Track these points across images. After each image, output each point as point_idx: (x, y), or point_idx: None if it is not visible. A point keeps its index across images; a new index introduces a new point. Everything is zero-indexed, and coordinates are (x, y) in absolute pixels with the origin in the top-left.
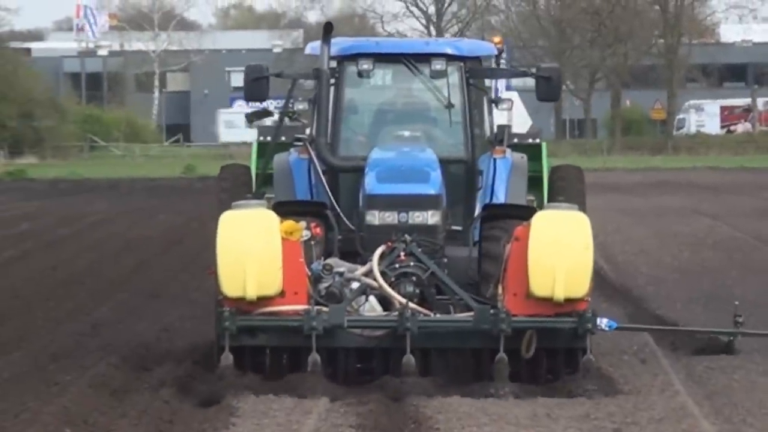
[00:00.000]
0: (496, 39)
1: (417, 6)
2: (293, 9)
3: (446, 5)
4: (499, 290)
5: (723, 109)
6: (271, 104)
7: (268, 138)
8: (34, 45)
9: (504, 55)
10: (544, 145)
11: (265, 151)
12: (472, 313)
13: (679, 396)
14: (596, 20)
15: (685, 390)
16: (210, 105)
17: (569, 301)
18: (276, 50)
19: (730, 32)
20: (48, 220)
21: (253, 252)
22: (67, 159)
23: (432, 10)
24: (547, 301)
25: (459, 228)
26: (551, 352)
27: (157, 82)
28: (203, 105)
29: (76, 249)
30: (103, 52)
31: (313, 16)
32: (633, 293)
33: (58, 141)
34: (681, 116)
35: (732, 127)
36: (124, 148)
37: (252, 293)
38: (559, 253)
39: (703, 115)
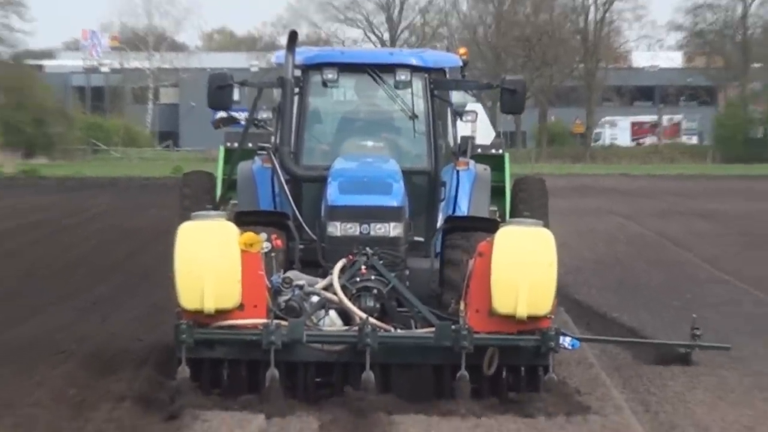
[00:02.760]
0: (462, 50)
1: (373, 33)
2: (267, 34)
3: (398, 33)
4: (462, 306)
5: (633, 124)
6: (240, 115)
7: (235, 144)
8: (46, 62)
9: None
10: (506, 156)
11: (231, 156)
12: (433, 329)
13: (594, 368)
14: (527, 47)
15: (599, 363)
16: (196, 115)
17: (532, 318)
18: (253, 69)
19: (640, 58)
20: (56, 212)
21: (211, 264)
22: (73, 160)
23: (386, 36)
24: (510, 318)
25: (421, 239)
26: (513, 369)
27: (151, 95)
28: (190, 115)
29: (80, 237)
30: (105, 69)
31: (285, 40)
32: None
33: (65, 145)
34: (598, 130)
35: (641, 140)
36: (122, 152)
37: (210, 306)
38: (522, 270)
39: (616, 130)
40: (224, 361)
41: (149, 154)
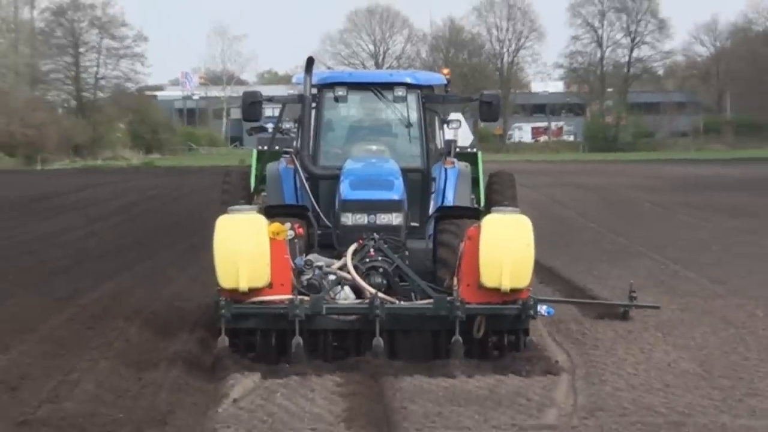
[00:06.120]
0: (445, 71)
1: None
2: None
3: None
4: (455, 281)
5: (533, 128)
6: (269, 125)
7: (265, 147)
8: (158, 93)
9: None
10: (479, 153)
11: (262, 157)
12: (431, 301)
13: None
14: (464, 80)
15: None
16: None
17: (514, 290)
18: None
19: (537, 86)
20: (165, 189)
21: (245, 250)
22: (176, 155)
23: None
24: (496, 290)
25: (417, 225)
26: (498, 333)
27: (225, 114)
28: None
29: (181, 205)
30: (195, 97)
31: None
32: None
33: (171, 146)
34: (510, 132)
35: (538, 139)
36: (207, 150)
37: (244, 285)
38: (505, 250)
39: (522, 132)
40: (257, 330)
41: (224, 151)
